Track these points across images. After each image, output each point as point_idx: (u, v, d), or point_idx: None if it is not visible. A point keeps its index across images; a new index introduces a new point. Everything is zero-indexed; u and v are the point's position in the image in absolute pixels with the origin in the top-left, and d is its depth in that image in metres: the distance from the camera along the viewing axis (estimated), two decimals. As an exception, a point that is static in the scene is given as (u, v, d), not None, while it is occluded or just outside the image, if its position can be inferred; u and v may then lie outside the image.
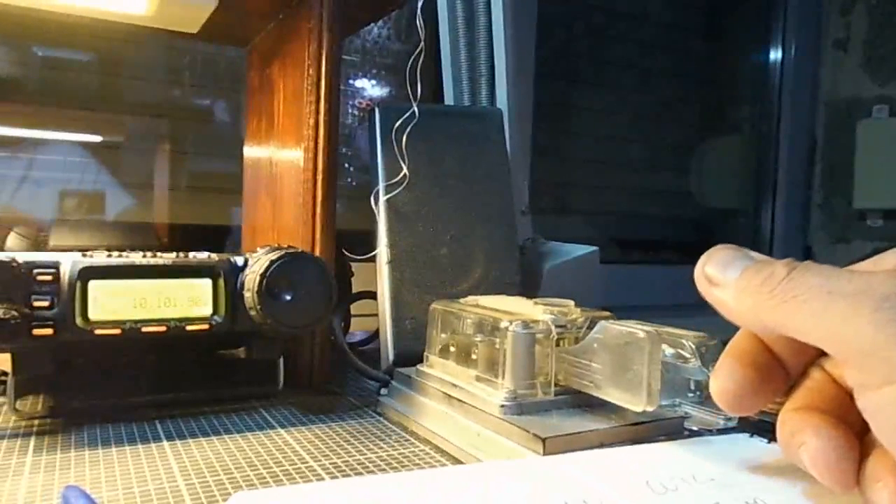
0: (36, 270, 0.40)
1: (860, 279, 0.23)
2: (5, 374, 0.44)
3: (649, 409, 0.34)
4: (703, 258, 0.28)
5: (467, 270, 0.58)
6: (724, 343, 0.36)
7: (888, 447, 0.22)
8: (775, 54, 1.62)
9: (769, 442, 0.35)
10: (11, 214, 0.90)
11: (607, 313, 0.41)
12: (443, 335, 0.46)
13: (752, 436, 0.36)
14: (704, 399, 0.37)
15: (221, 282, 0.45)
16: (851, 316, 0.22)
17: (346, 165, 1.14)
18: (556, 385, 0.39)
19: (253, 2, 0.59)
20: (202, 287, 0.45)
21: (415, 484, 0.30)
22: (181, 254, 0.46)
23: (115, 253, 0.44)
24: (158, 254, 0.45)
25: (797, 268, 0.25)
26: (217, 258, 0.46)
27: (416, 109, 0.57)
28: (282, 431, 0.44)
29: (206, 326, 0.45)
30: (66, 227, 0.75)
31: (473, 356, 0.42)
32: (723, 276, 0.27)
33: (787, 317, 0.24)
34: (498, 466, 0.34)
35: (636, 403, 0.34)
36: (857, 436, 0.25)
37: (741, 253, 0.27)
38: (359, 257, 0.59)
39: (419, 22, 0.57)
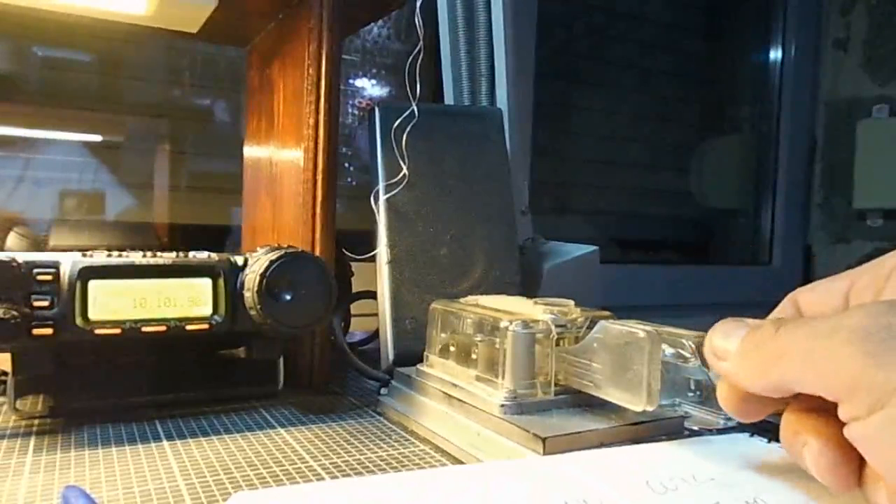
0: (36, 270, 0.40)
1: (834, 319, 0.24)
2: (5, 373, 0.44)
3: (649, 408, 0.34)
4: (709, 334, 0.30)
5: (467, 270, 0.58)
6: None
7: (883, 473, 0.23)
8: (775, 54, 1.62)
9: (769, 442, 0.35)
10: (11, 214, 0.90)
11: (607, 313, 0.41)
12: (443, 335, 0.46)
13: (752, 436, 0.36)
14: (704, 399, 0.37)
15: (221, 282, 0.45)
16: (831, 355, 0.23)
17: (346, 165, 1.14)
18: (556, 385, 0.39)
19: (253, 2, 0.59)
20: (202, 287, 0.45)
21: (415, 484, 0.30)
22: (181, 254, 0.46)
23: (115, 253, 0.44)
24: (158, 254, 0.45)
25: (784, 324, 0.26)
26: (217, 258, 0.46)
27: (415, 109, 0.57)
28: (282, 431, 0.44)
29: (205, 326, 0.45)
30: (66, 227, 0.75)
31: (473, 356, 0.42)
32: (725, 347, 0.28)
33: (784, 371, 0.25)
34: (498, 466, 0.34)
35: (636, 403, 0.34)
36: None
37: (740, 323, 0.29)
38: (359, 257, 0.59)
39: (419, 22, 0.57)
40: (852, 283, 0.28)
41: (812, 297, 0.30)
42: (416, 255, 0.56)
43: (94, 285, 0.42)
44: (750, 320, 0.29)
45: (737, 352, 0.28)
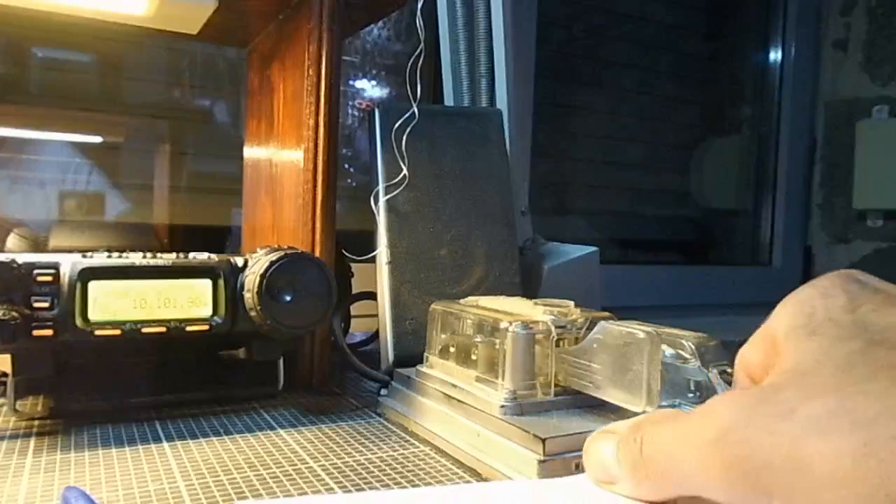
0: (36, 271, 0.40)
1: (687, 426, 0.24)
2: (5, 375, 0.44)
3: (649, 409, 0.34)
4: (584, 460, 0.29)
5: (467, 271, 0.58)
6: (724, 343, 0.36)
7: None
8: (775, 54, 1.62)
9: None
10: (11, 216, 0.90)
11: (607, 314, 0.41)
12: (443, 336, 0.46)
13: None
14: (704, 400, 0.37)
15: (221, 282, 0.45)
16: (699, 469, 0.23)
17: (347, 166, 1.14)
18: (555, 385, 0.39)
19: (253, 2, 0.59)
20: (202, 288, 0.45)
21: (413, 499, 0.30)
22: (181, 254, 0.46)
23: (115, 254, 0.44)
24: (158, 255, 0.45)
25: (643, 433, 0.26)
26: (217, 259, 0.46)
27: (416, 110, 0.57)
28: (282, 432, 0.44)
29: (205, 327, 0.45)
30: (66, 228, 0.75)
31: (473, 357, 0.42)
32: (609, 473, 0.28)
33: (671, 486, 0.25)
34: (498, 484, 0.34)
35: (636, 404, 0.34)
36: None
37: (607, 438, 0.28)
38: (359, 258, 0.59)
39: (419, 23, 0.57)
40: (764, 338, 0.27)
41: (751, 354, 0.28)
42: (416, 256, 0.56)
43: (94, 286, 0.42)
44: (618, 426, 0.28)
45: (625, 476, 0.27)
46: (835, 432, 0.20)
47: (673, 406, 0.39)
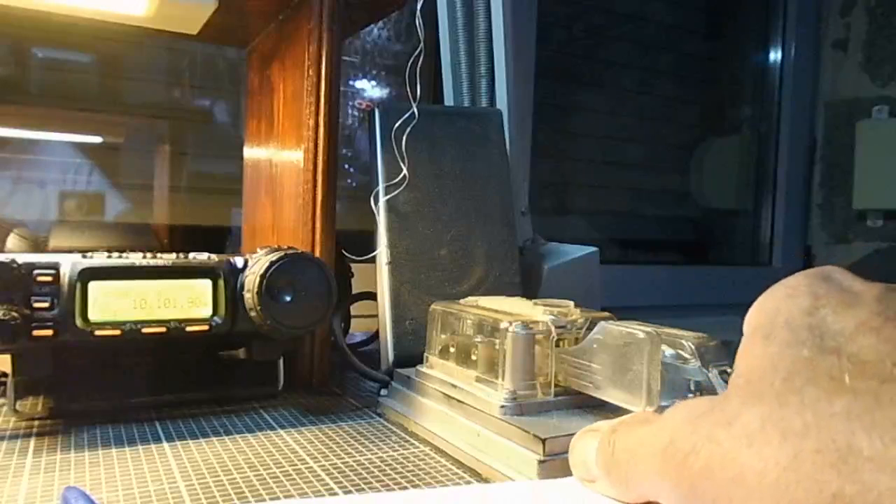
0: (36, 272, 0.40)
1: (649, 431, 0.24)
2: (5, 375, 0.44)
3: (649, 409, 0.34)
4: (569, 458, 0.30)
5: (467, 271, 0.58)
6: (725, 343, 0.36)
7: None
8: (775, 54, 1.62)
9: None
10: (11, 216, 0.90)
11: (607, 314, 0.41)
12: (443, 336, 0.46)
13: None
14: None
15: (221, 283, 0.45)
16: (654, 476, 0.23)
17: (347, 167, 1.14)
18: (555, 386, 0.39)
19: (253, 2, 0.59)
20: (202, 288, 0.45)
21: (417, 500, 0.30)
22: (181, 255, 0.46)
23: (115, 254, 0.44)
24: (158, 255, 0.45)
25: (616, 435, 0.27)
26: (217, 259, 0.46)
27: (415, 110, 0.57)
28: (282, 432, 0.44)
29: (205, 327, 0.45)
30: (66, 228, 0.75)
31: (473, 357, 0.42)
32: (590, 473, 0.28)
33: (637, 491, 0.25)
34: (498, 485, 0.34)
35: (636, 404, 0.34)
36: None
37: (592, 437, 0.29)
38: (359, 258, 0.59)
39: (419, 23, 0.57)
40: None
41: None
42: (416, 256, 0.56)
43: (94, 286, 0.42)
44: (601, 425, 0.29)
45: (600, 476, 0.27)
46: (766, 443, 0.20)
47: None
